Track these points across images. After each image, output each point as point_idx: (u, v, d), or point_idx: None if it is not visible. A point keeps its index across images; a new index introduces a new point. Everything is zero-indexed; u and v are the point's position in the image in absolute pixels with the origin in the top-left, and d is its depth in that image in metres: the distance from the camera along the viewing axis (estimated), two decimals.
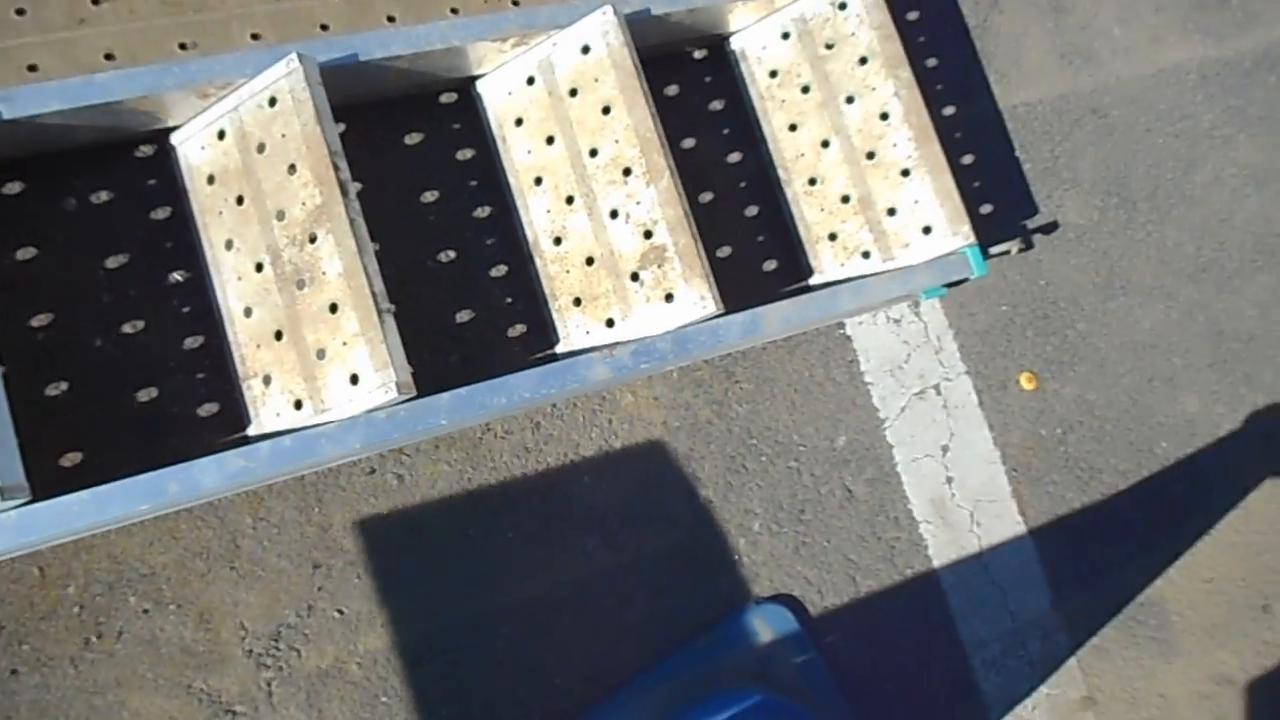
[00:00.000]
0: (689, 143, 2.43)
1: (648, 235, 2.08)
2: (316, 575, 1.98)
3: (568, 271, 2.18)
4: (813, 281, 2.40)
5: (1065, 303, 2.65)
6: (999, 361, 2.55)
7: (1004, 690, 2.43)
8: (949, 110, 2.68)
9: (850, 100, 2.35)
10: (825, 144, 2.38)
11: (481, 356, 2.17)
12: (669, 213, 2.06)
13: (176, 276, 2.04)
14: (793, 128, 2.42)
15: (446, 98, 2.27)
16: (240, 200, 1.97)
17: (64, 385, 1.93)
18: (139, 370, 1.97)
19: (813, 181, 2.40)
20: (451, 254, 2.21)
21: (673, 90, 2.45)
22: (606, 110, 2.12)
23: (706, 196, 2.42)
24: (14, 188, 1.97)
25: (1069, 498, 2.56)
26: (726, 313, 2.08)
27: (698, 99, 2.46)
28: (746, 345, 2.21)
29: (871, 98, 2.33)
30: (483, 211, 2.25)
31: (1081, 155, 2.76)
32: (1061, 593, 2.51)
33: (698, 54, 2.48)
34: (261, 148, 1.94)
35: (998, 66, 2.75)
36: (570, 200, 2.17)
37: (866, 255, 2.34)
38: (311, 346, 1.90)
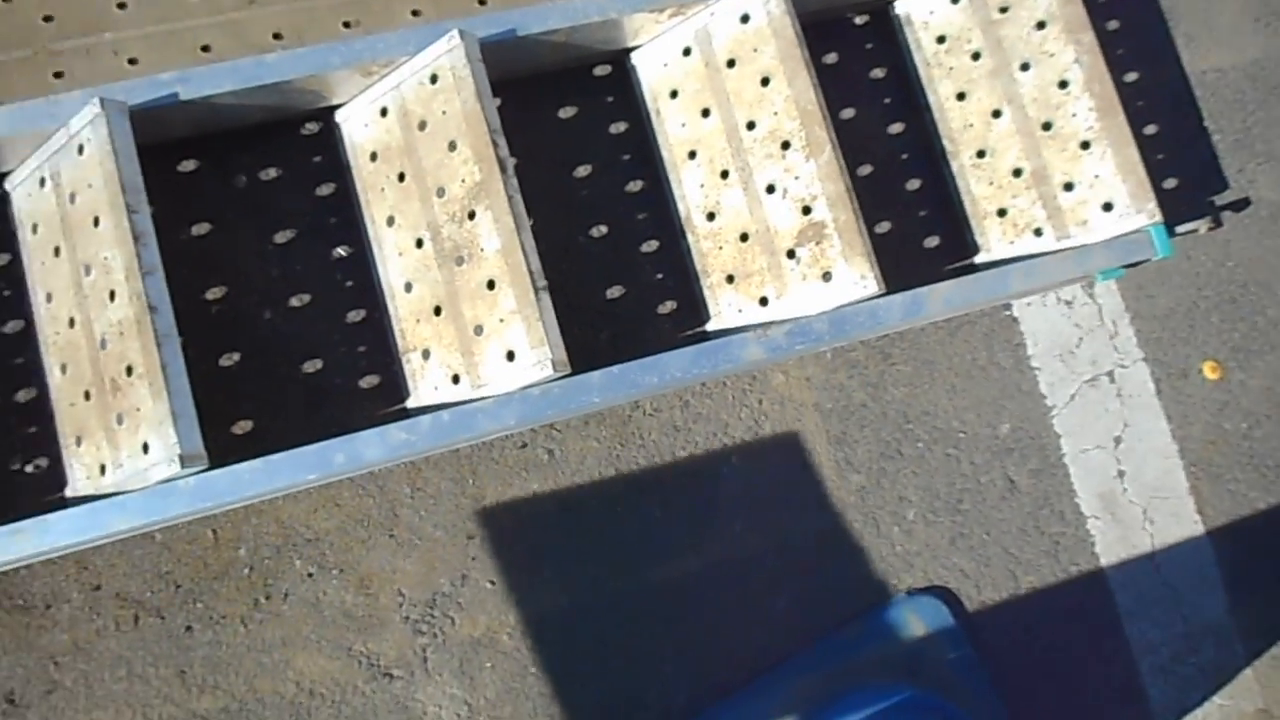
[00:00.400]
0: (848, 113, 2.33)
1: (806, 211, 2.01)
2: (470, 546, 2.01)
3: (720, 248, 2.13)
4: (979, 260, 2.28)
5: (1255, 286, 2.44)
6: (1180, 348, 2.37)
7: (1173, 698, 2.28)
8: (1131, 76, 2.48)
9: (1025, 67, 2.20)
10: (996, 114, 2.24)
11: (632, 333, 2.15)
12: (829, 188, 1.98)
13: (340, 252, 2.09)
14: (961, 96, 2.28)
15: (601, 70, 2.24)
16: (402, 177, 2.00)
17: (236, 356, 2.00)
18: (305, 342, 2.03)
19: (981, 154, 2.27)
20: (603, 229, 2.19)
21: (832, 58, 2.35)
22: (765, 81, 2.04)
23: (866, 169, 2.32)
24: (188, 166, 2.05)
25: (1252, 497, 2.37)
26: (887, 293, 1.99)
27: (858, 67, 2.36)
28: (906, 327, 2.11)
29: (1049, 64, 2.17)
30: (635, 186, 2.22)
31: (1277, 126, 2.52)
32: (1239, 598, 2.33)
33: (859, 19, 2.37)
34: (423, 125, 1.96)
35: (1186, 29, 2.54)
36: (725, 175, 2.11)
37: (1039, 233, 2.20)
38: (469, 322, 1.91)
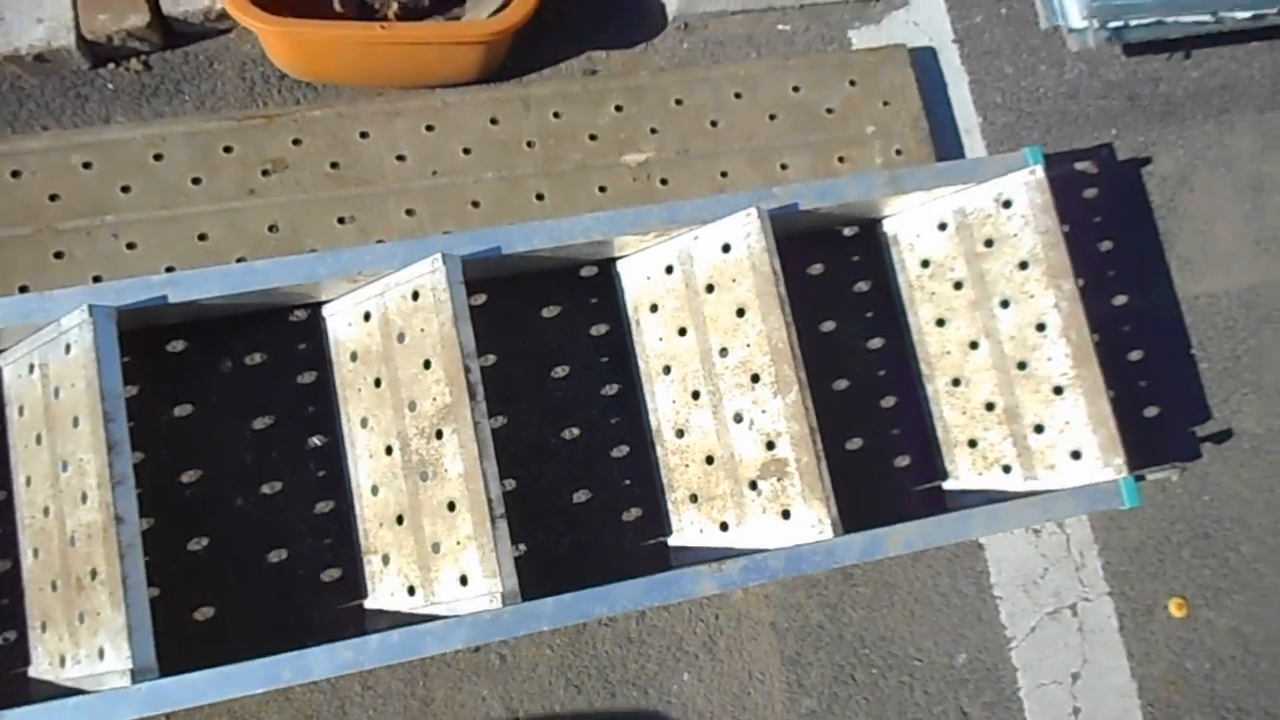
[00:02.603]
0: (829, 325, 2.36)
1: (770, 446, 2.04)
2: None
3: (687, 466, 2.16)
4: (946, 486, 2.29)
5: (1230, 522, 2.43)
6: (1147, 584, 2.36)
7: None
8: (1120, 300, 2.49)
9: (1005, 304, 2.22)
10: (974, 345, 2.26)
11: (594, 540, 2.18)
12: (794, 428, 2.01)
13: (315, 441, 2.14)
14: (940, 322, 2.31)
15: (587, 271, 2.28)
16: (378, 383, 2.05)
17: (205, 540, 2.06)
18: (273, 531, 2.08)
19: (956, 382, 2.29)
20: (576, 431, 2.23)
21: (817, 269, 2.38)
22: (740, 313, 2.08)
23: (842, 383, 2.34)
24: (176, 346, 2.11)
25: None
26: (846, 530, 2.01)
27: (843, 278, 2.39)
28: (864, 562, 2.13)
29: (1029, 305, 2.19)
30: (610, 389, 2.25)
31: (1267, 356, 2.52)
32: None
33: (847, 231, 2.41)
34: (401, 337, 2.01)
35: (1181, 252, 2.54)
36: (696, 395, 2.14)
37: (1007, 469, 2.21)
38: (429, 538, 1.95)
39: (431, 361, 1.96)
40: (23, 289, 2.04)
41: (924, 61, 2.52)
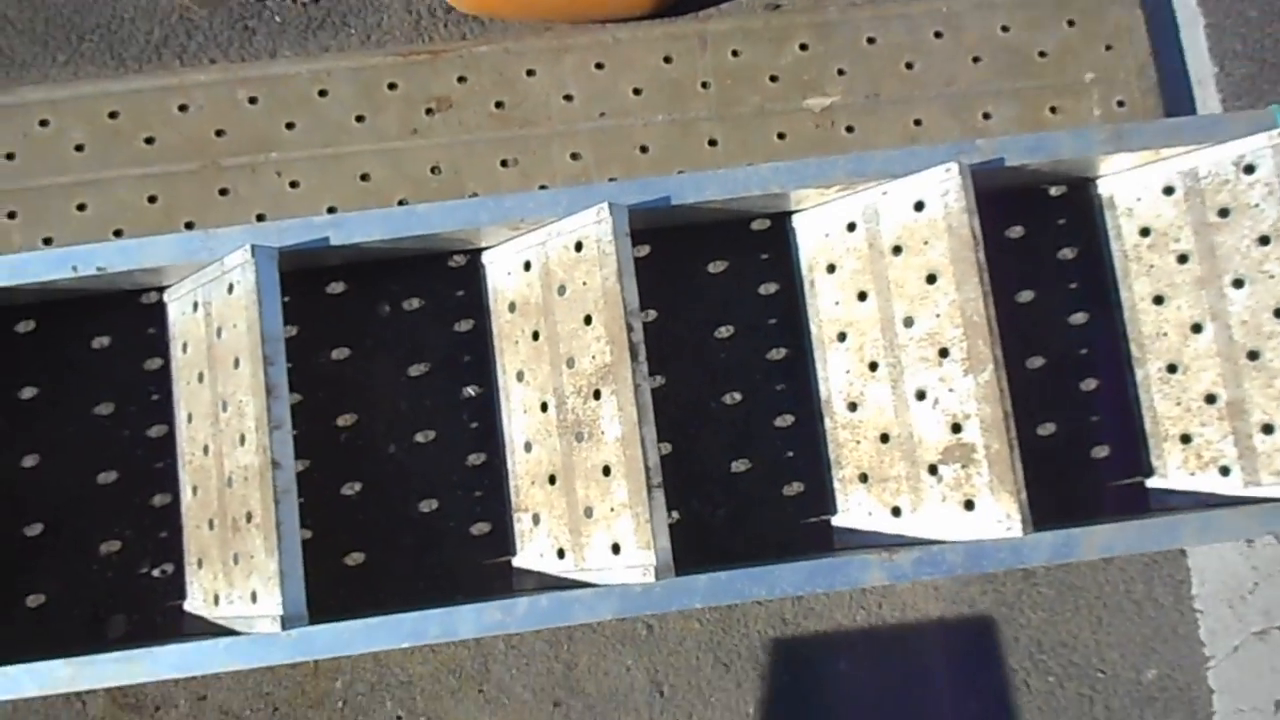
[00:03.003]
0: (1027, 295, 2.13)
1: (956, 429, 1.85)
2: (556, 714, 1.98)
3: (858, 442, 1.99)
4: (1151, 484, 2.05)
5: None
6: None
7: None
8: None
9: (1239, 284, 1.94)
10: (1197, 328, 1.99)
11: (751, 512, 2.05)
12: (986, 410, 1.81)
13: (470, 391, 2.07)
14: (1158, 300, 2.04)
15: (759, 224, 2.11)
16: (536, 336, 1.95)
17: (357, 486, 2.03)
18: (425, 480, 2.04)
19: (1172, 369, 2.02)
20: (738, 396, 2.09)
21: (1017, 231, 2.14)
22: (931, 279, 1.88)
23: (1038, 361, 2.11)
24: (336, 288, 2.07)
25: None
26: (1036, 527, 1.81)
27: (1046, 243, 2.14)
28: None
29: (1267, 287, 1.90)
30: (777, 354, 2.10)
31: None
32: None
33: (1054, 190, 2.15)
34: (562, 290, 1.90)
35: None
36: (874, 367, 1.96)
37: (1225, 471, 1.95)
38: (581, 501, 1.86)
39: (592, 317, 1.85)
40: (188, 225, 2.02)
41: (1154, 0, 2.21)
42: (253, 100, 2.05)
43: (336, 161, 2.04)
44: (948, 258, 1.85)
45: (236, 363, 1.84)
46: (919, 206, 1.89)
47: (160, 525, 2.00)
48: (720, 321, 2.11)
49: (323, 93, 2.06)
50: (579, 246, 1.87)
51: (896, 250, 1.93)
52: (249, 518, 1.80)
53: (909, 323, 1.91)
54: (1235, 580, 2.07)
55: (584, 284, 1.87)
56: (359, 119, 2.05)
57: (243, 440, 1.82)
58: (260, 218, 2.02)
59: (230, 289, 1.85)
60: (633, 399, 1.78)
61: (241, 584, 1.82)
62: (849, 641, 2.02)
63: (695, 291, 2.12)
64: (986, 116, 2.10)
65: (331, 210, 2.04)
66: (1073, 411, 2.11)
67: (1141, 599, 2.05)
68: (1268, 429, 1.91)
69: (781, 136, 2.08)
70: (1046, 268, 2.14)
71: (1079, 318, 2.13)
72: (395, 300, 2.09)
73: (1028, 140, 1.94)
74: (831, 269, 2.03)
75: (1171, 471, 2.03)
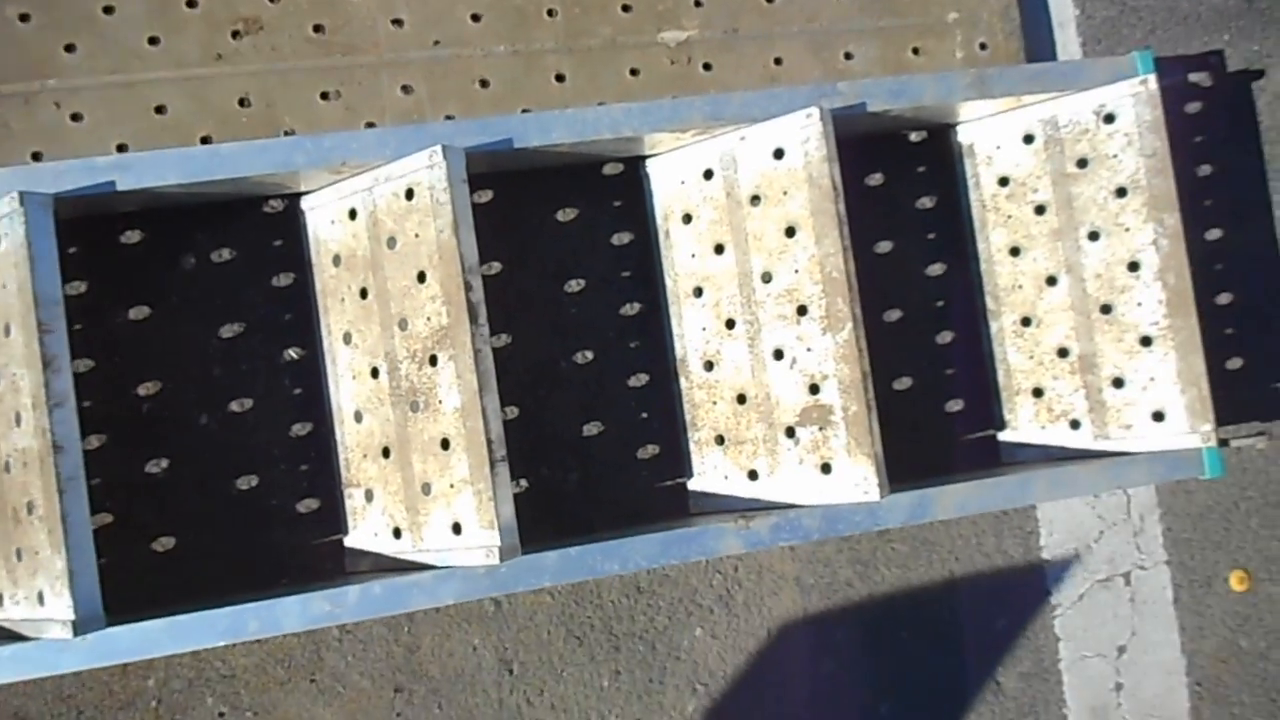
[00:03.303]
0: (885, 246, 2.06)
1: (814, 390, 1.77)
2: (397, 700, 1.85)
3: (715, 403, 1.90)
4: (1002, 437, 2.04)
5: None
6: (1210, 554, 2.14)
7: None
8: (1214, 233, 2.19)
9: (1094, 236, 1.92)
10: (1051, 280, 1.97)
11: (605, 478, 1.94)
12: (844, 371, 1.74)
13: (291, 354, 1.87)
14: (1015, 251, 2.01)
15: (611, 169, 1.96)
16: (364, 294, 1.76)
17: (164, 462, 1.81)
18: (242, 453, 1.83)
19: (1026, 322, 2.00)
20: (589, 354, 1.96)
21: (876, 179, 2.07)
22: (790, 232, 1.78)
23: (894, 314, 2.06)
24: (131, 237, 1.82)
25: None
26: (892, 487, 1.77)
27: (904, 191, 2.08)
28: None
29: (1122, 239, 1.89)
30: (630, 309, 1.97)
31: None
32: None
33: (914, 136, 2.08)
34: (392, 242, 1.71)
35: None
36: (731, 324, 1.86)
37: (1075, 425, 1.96)
38: (418, 476, 1.71)
39: (426, 274, 1.67)
40: None
41: None
42: (24, 17, 1.74)
43: (127, 91, 1.77)
44: (808, 209, 1.75)
45: (8, 330, 1.58)
46: (778, 154, 1.78)
47: None
48: (570, 274, 1.96)
49: (108, 10, 1.77)
50: (410, 194, 1.68)
51: (755, 200, 1.82)
52: (30, 508, 1.57)
53: (767, 278, 1.81)
54: (1081, 530, 2.10)
55: (416, 236, 1.68)
56: (152, 41, 1.78)
57: (18, 420, 1.57)
58: (36, 157, 1.74)
59: None
60: (472, 365, 1.62)
61: (26, 583, 1.60)
62: (705, 606, 1.96)
63: (543, 241, 1.96)
64: (848, 57, 1.99)
65: (121, 149, 1.77)
66: (928, 365, 2.08)
67: (992, 551, 2.06)
68: (1118, 383, 1.92)
69: (635, 73, 1.92)
70: (906, 217, 2.08)
71: (936, 269, 2.09)
72: (202, 251, 1.85)
73: (890, 84, 1.85)
74: (688, 219, 1.90)
75: (1023, 425, 2.02)
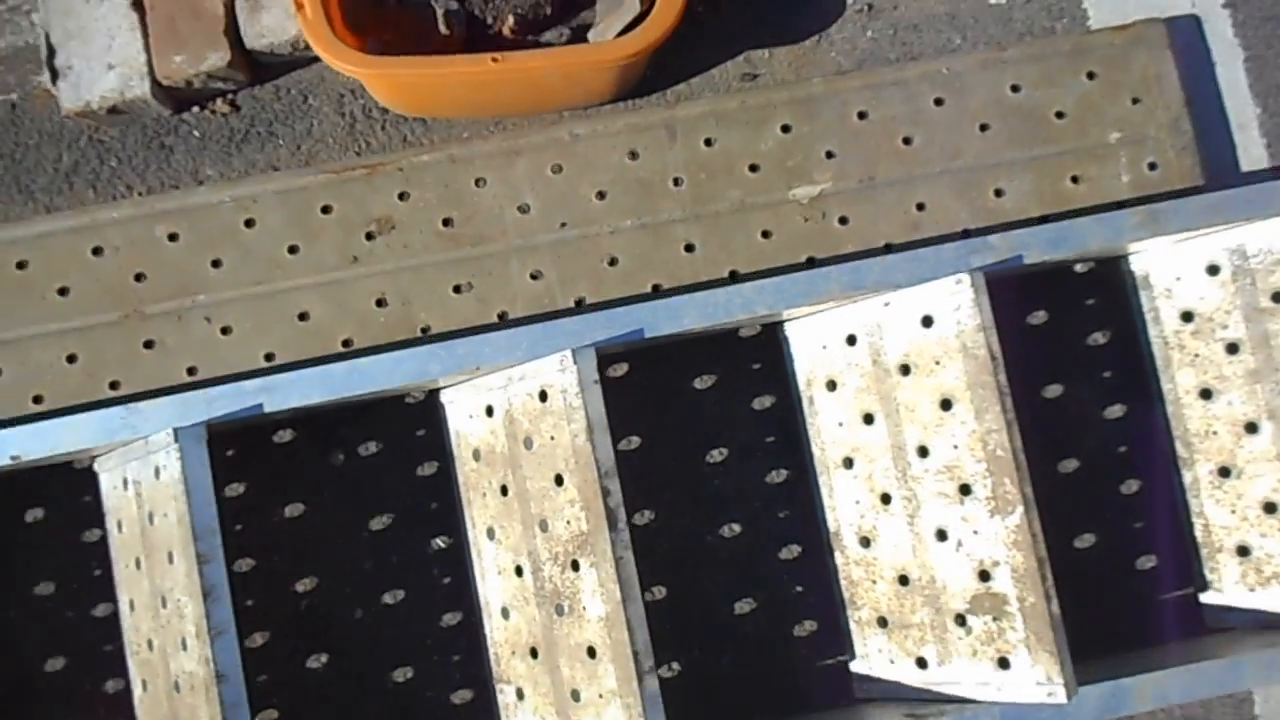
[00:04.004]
0: (1054, 390, 1.89)
1: (984, 576, 1.63)
2: None
3: (874, 582, 1.78)
4: (1205, 599, 1.82)
5: None
6: None
7: None
8: None
9: None
10: (1251, 427, 1.75)
11: (761, 657, 1.85)
12: (1017, 558, 1.59)
13: (439, 543, 1.87)
14: (1206, 394, 1.80)
15: (748, 331, 1.88)
16: (504, 490, 1.74)
17: (324, 658, 1.84)
18: (397, 646, 1.84)
19: (1225, 472, 1.79)
20: (736, 527, 1.88)
21: (1040, 316, 1.90)
22: (946, 405, 1.65)
23: (1070, 464, 1.88)
24: (284, 436, 1.87)
25: None
26: (1078, 669, 1.60)
27: (1073, 328, 1.90)
28: None
29: None
30: (778, 476, 1.88)
31: None
32: None
33: (1079, 266, 1.90)
34: (529, 442, 1.69)
35: None
36: (886, 499, 1.74)
37: None
38: (567, 681, 1.67)
39: (563, 478, 1.63)
40: (113, 385, 1.82)
41: (1185, 37, 1.93)
42: (173, 237, 1.83)
43: (270, 300, 1.82)
44: (963, 381, 1.62)
45: (171, 557, 1.64)
46: (927, 322, 1.65)
47: (115, 715, 1.83)
48: (711, 443, 1.89)
49: (249, 223, 1.84)
50: (543, 396, 1.65)
51: (905, 370, 1.70)
52: None
53: (923, 452, 1.68)
54: None
55: (552, 439, 1.65)
56: (292, 250, 1.83)
57: (184, 645, 1.63)
58: (191, 371, 1.81)
59: (157, 473, 1.65)
60: (614, 574, 1.57)
61: None
62: None
63: (682, 410, 1.90)
64: (999, 194, 1.84)
65: (269, 358, 1.83)
66: (1113, 519, 1.88)
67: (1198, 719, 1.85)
68: None
69: (766, 235, 1.84)
70: (1076, 356, 1.90)
71: (1115, 411, 1.89)
72: (349, 446, 1.89)
73: (1048, 233, 1.70)
74: (832, 386, 1.80)
75: (1228, 586, 1.80)
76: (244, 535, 1.86)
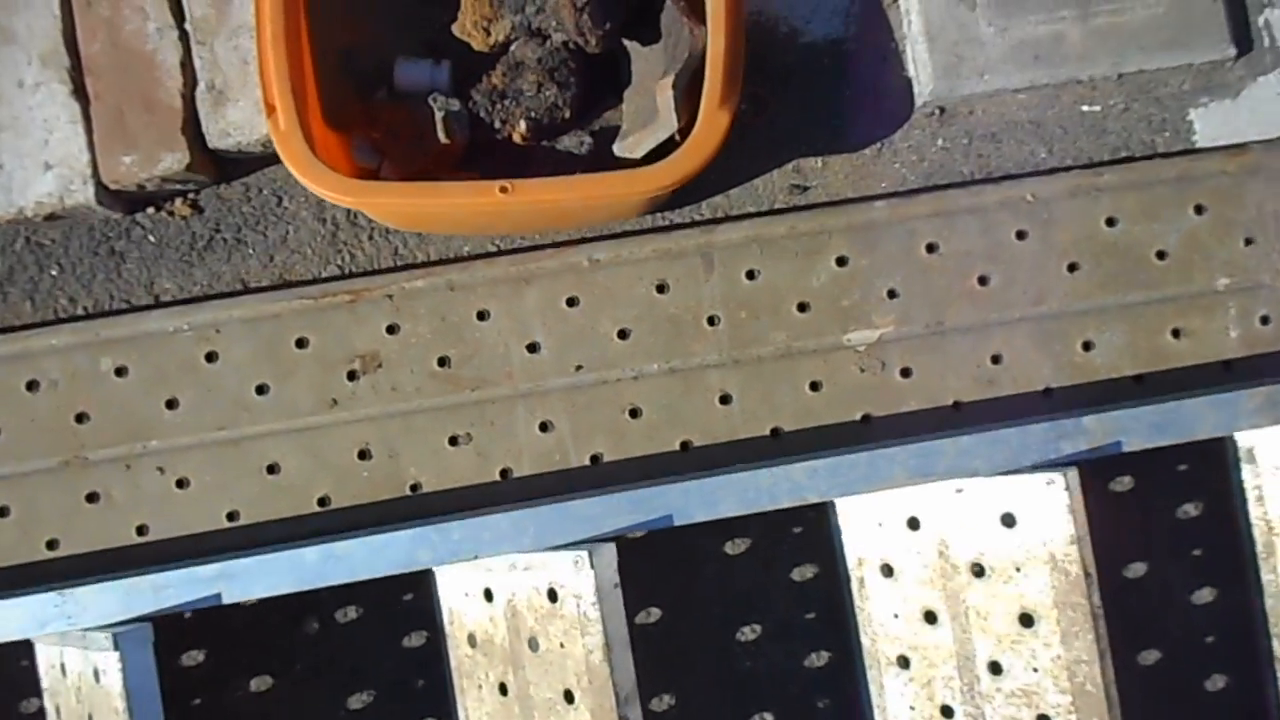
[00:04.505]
0: (1137, 568, 1.65)
1: None
2: None
3: None
4: None
5: None
6: None
7: None
8: None
9: None
10: None
11: None
12: None
13: None
14: None
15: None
16: (504, 690, 1.50)
17: None
18: None
19: None
20: (768, 718, 1.64)
21: (1124, 482, 1.66)
22: (1027, 620, 1.40)
23: (1152, 655, 1.65)
24: (250, 600, 1.62)
25: None
26: None
27: (1160, 500, 1.66)
28: None
29: None
30: (818, 659, 1.64)
31: None
32: None
33: None
34: (534, 644, 1.44)
35: None
36: (948, 713, 1.50)
37: None
38: None
39: (574, 695, 1.39)
40: (50, 544, 1.56)
41: None
42: (121, 371, 1.56)
43: (234, 450, 1.56)
44: (1049, 598, 1.38)
45: None
46: (1008, 521, 1.41)
47: None
48: (743, 618, 1.65)
49: (211, 356, 1.57)
50: (553, 596, 1.40)
51: (978, 570, 1.45)
52: None
53: (995, 669, 1.44)
54: None
55: (562, 646, 1.40)
56: (260, 390, 1.56)
57: None
58: (141, 530, 1.56)
59: (97, 676, 1.40)
60: None
61: None
62: None
63: (709, 580, 1.65)
64: (1087, 347, 1.59)
65: (232, 517, 1.57)
66: (1198, 712, 1.66)
67: None
68: None
69: (815, 387, 1.58)
70: (1163, 531, 1.66)
71: (1205, 595, 1.66)
72: (325, 612, 1.64)
73: (1151, 415, 1.44)
74: (888, 571, 1.55)
75: None
76: (206, 712, 1.62)
